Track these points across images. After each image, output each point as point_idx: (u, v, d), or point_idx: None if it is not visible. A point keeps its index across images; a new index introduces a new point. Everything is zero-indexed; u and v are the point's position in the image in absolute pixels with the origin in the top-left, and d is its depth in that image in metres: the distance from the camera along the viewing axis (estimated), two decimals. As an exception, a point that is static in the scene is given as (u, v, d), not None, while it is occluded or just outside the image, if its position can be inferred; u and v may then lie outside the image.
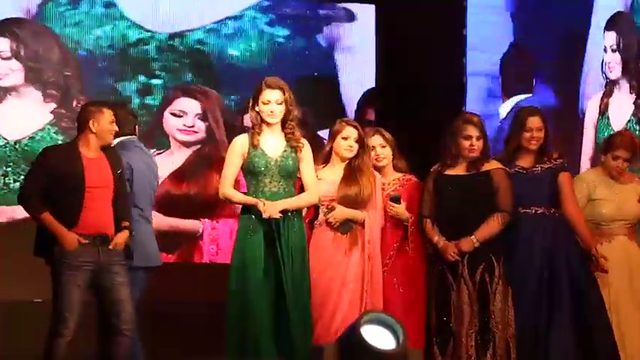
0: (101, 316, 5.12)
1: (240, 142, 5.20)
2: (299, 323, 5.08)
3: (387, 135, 5.63)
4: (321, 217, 5.38)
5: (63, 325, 5.01)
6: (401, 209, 5.49)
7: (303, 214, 5.30)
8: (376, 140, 5.60)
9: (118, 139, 5.43)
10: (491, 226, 5.43)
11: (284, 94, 5.11)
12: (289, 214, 5.11)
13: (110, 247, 5.10)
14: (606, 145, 5.86)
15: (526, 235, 5.53)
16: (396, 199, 5.47)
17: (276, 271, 5.06)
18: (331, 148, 5.46)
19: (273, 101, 5.11)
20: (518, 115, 5.71)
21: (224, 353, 5.10)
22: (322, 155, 5.50)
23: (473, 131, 5.50)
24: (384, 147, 5.60)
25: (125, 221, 5.19)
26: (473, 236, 5.40)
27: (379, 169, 5.56)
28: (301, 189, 5.26)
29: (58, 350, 5.01)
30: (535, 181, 5.57)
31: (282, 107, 5.11)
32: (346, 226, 5.34)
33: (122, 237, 5.16)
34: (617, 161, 5.72)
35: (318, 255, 5.30)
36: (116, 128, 5.19)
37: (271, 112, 5.11)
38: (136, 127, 5.66)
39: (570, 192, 5.60)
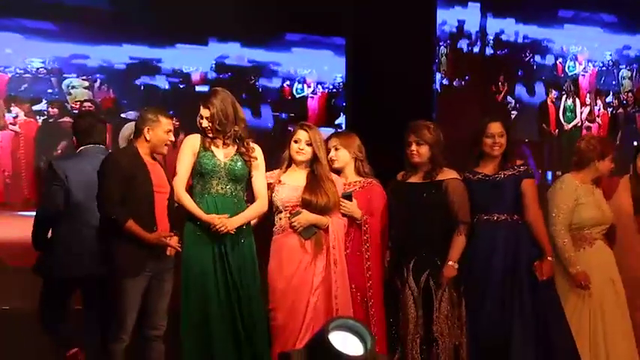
0: (139, 321, 5.07)
1: (192, 140, 5.19)
2: (253, 332, 5.08)
3: (344, 138, 5.63)
4: (283, 222, 5.36)
5: (124, 330, 4.98)
6: (353, 207, 5.47)
7: (252, 223, 5.29)
8: (331, 143, 5.62)
9: (82, 147, 5.41)
10: (459, 241, 5.46)
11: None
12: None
13: (167, 252, 5.06)
14: (597, 152, 5.84)
15: (487, 242, 5.55)
16: (347, 197, 5.47)
17: (226, 280, 5.08)
18: (287, 151, 5.46)
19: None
20: (480, 122, 5.74)
21: None
22: (283, 159, 5.48)
23: (413, 137, 5.52)
24: (337, 149, 5.60)
25: (175, 228, 5.15)
26: (450, 262, 5.41)
27: (338, 171, 5.55)
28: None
29: (118, 355, 4.98)
30: (497, 188, 5.60)
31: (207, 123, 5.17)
32: (310, 231, 5.32)
33: (175, 242, 5.10)
34: (612, 163, 5.83)
35: (284, 261, 5.28)
36: (172, 138, 5.16)
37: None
38: (105, 135, 5.57)
39: (533, 199, 5.62)
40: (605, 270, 5.75)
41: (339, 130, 5.81)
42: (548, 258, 5.54)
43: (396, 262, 5.55)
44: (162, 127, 5.08)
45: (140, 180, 4.98)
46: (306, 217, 5.31)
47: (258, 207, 5.25)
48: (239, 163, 5.18)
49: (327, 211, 5.34)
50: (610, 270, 5.78)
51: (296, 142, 5.40)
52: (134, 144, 5.11)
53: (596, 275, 5.70)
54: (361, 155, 5.64)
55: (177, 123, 7.58)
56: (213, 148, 5.16)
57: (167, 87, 7.78)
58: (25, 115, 7.37)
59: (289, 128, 7.98)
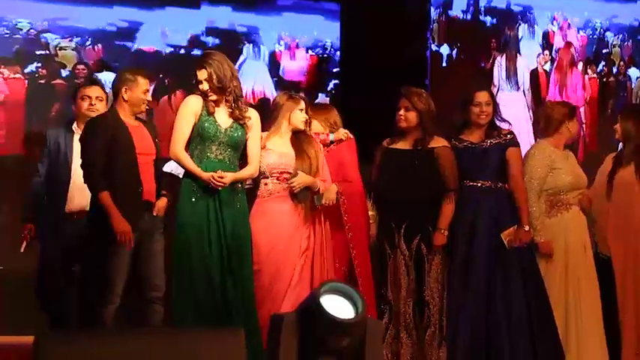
0: (137, 284, 5.11)
1: (194, 101, 5.17)
2: (242, 291, 5.10)
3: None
4: (271, 186, 5.35)
5: (113, 292, 5.00)
6: (301, 179, 5.35)
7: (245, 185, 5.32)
8: (333, 118, 5.68)
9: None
10: (449, 209, 5.50)
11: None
12: (237, 184, 5.15)
13: (154, 213, 5.08)
14: (565, 114, 5.88)
15: (472, 208, 5.58)
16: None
17: (219, 240, 5.08)
18: (282, 119, 5.42)
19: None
20: (468, 90, 5.74)
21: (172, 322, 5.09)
22: (271, 125, 5.45)
23: (404, 103, 5.54)
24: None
25: (163, 189, 5.20)
26: (440, 229, 5.45)
27: None
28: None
29: (108, 317, 5.00)
30: (483, 156, 5.63)
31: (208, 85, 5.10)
32: (305, 194, 5.34)
33: (163, 203, 5.17)
34: (576, 125, 5.88)
35: (271, 224, 5.29)
36: (149, 98, 5.19)
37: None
38: None
39: (517, 167, 5.65)
40: (580, 236, 5.78)
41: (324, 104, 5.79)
42: (525, 227, 5.58)
43: (385, 226, 5.57)
44: (139, 87, 5.09)
45: (121, 144, 4.97)
46: (303, 179, 5.33)
47: (251, 170, 5.26)
48: (239, 131, 5.17)
49: (311, 174, 5.36)
50: (584, 236, 5.81)
51: (302, 110, 5.42)
52: (115, 106, 5.10)
53: (572, 240, 5.73)
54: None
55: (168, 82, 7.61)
56: (215, 114, 5.14)
57: (158, 49, 7.76)
58: (14, 77, 7.32)
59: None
